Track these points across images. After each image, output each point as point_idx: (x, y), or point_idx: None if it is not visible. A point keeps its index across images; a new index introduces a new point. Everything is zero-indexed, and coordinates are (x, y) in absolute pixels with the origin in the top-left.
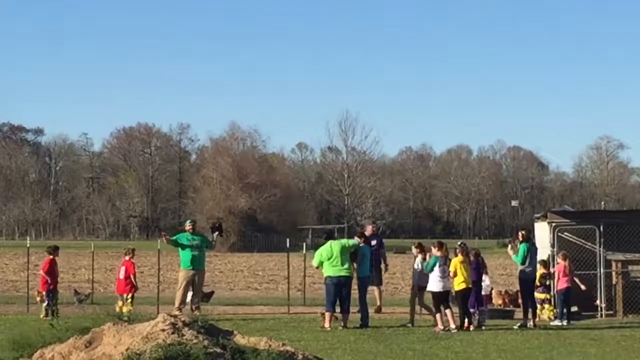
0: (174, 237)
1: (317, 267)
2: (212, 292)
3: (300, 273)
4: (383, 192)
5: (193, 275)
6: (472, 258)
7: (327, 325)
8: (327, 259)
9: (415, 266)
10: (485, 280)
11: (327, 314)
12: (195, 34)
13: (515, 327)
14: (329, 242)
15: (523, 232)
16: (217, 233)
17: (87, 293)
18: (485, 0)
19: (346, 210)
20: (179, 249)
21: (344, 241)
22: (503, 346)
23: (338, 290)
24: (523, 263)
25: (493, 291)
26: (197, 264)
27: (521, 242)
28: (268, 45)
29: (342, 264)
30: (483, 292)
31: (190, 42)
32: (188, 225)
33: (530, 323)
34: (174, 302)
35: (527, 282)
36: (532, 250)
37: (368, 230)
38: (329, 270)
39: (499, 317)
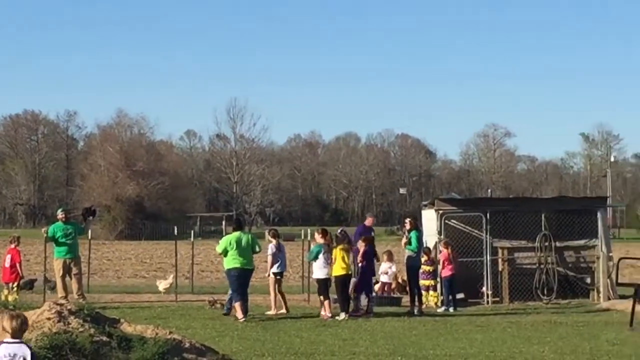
0: (50, 234)
1: (220, 254)
2: (34, 280)
3: (188, 261)
4: (272, 180)
5: (68, 263)
6: (363, 246)
7: (240, 315)
8: (234, 249)
9: None
10: (392, 267)
11: (238, 305)
12: (80, 20)
13: (403, 314)
14: (238, 233)
15: (410, 220)
16: (90, 217)
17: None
18: None
19: (235, 198)
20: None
21: (252, 236)
22: (390, 333)
23: (243, 282)
24: (418, 251)
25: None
26: (70, 252)
27: (410, 231)
28: (155, 31)
29: (248, 257)
30: (388, 280)
31: (76, 29)
32: (60, 214)
33: (417, 310)
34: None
35: (414, 269)
36: (420, 237)
37: (368, 222)
38: (234, 262)
39: (387, 304)
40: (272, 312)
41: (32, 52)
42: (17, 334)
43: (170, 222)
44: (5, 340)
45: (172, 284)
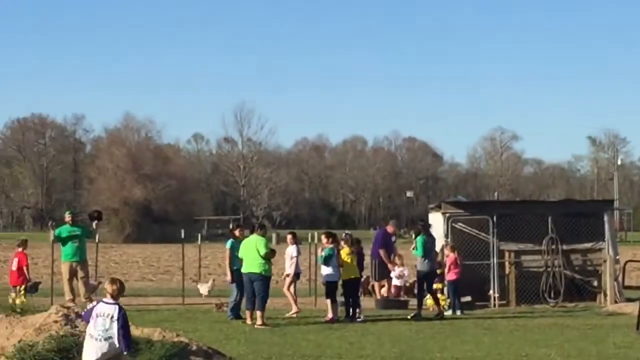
0: (57, 234)
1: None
2: (39, 282)
3: (196, 264)
4: (279, 183)
5: (75, 266)
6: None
7: (250, 321)
8: (243, 254)
9: None
10: (405, 271)
11: (248, 312)
12: (87, 24)
13: (408, 317)
14: (250, 237)
15: (417, 226)
16: (95, 222)
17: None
18: None
19: (242, 201)
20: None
21: (259, 239)
22: (397, 336)
23: (250, 286)
24: (424, 256)
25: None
26: (77, 256)
27: (417, 236)
28: (162, 35)
29: (253, 261)
30: (400, 283)
31: (84, 33)
32: (67, 217)
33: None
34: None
35: (421, 273)
36: (430, 241)
37: (390, 229)
38: (243, 267)
39: (393, 307)
40: (293, 311)
41: (40, 55)
42: (115, 296)
43: (177, 226)
44: (103, 299)
45: (213, 287)
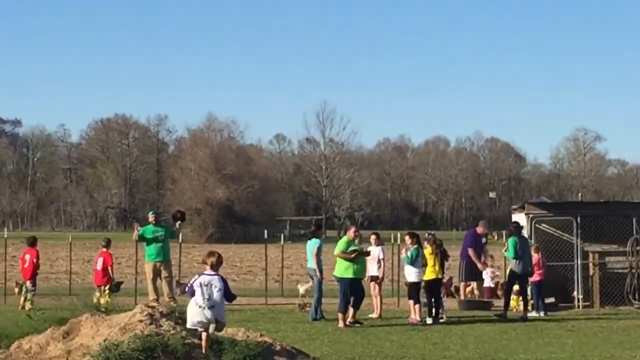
0: (140, 233)
1: None
2: (121, 282)
3: (278, 264)
4: (361, 184)
5: (159, 266)
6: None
7: (342, 325)
8: None
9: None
10: (496, 272)
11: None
12: (171, 25)
13: (493, 315)
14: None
15: (512, 227)
16: (179, 222)
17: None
18: None
19: (324, 202)
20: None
21: (340, 242)
22: (481, 337)
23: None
24: (516, 257)
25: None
26: (161, 255)
27: (508, 237)
28: (245, 36)
29: (336, 263)
30: (489, 284)
31: (167, 34)
32: (151, 217)
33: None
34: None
35: (511, 275)
36: (522, 243)
37: (480, 229)
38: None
39: (476, 309)
40: (376, 315)
41: (123, 56)
42: (214, 267)
43: (260, 226)
44: (205, 272)
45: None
